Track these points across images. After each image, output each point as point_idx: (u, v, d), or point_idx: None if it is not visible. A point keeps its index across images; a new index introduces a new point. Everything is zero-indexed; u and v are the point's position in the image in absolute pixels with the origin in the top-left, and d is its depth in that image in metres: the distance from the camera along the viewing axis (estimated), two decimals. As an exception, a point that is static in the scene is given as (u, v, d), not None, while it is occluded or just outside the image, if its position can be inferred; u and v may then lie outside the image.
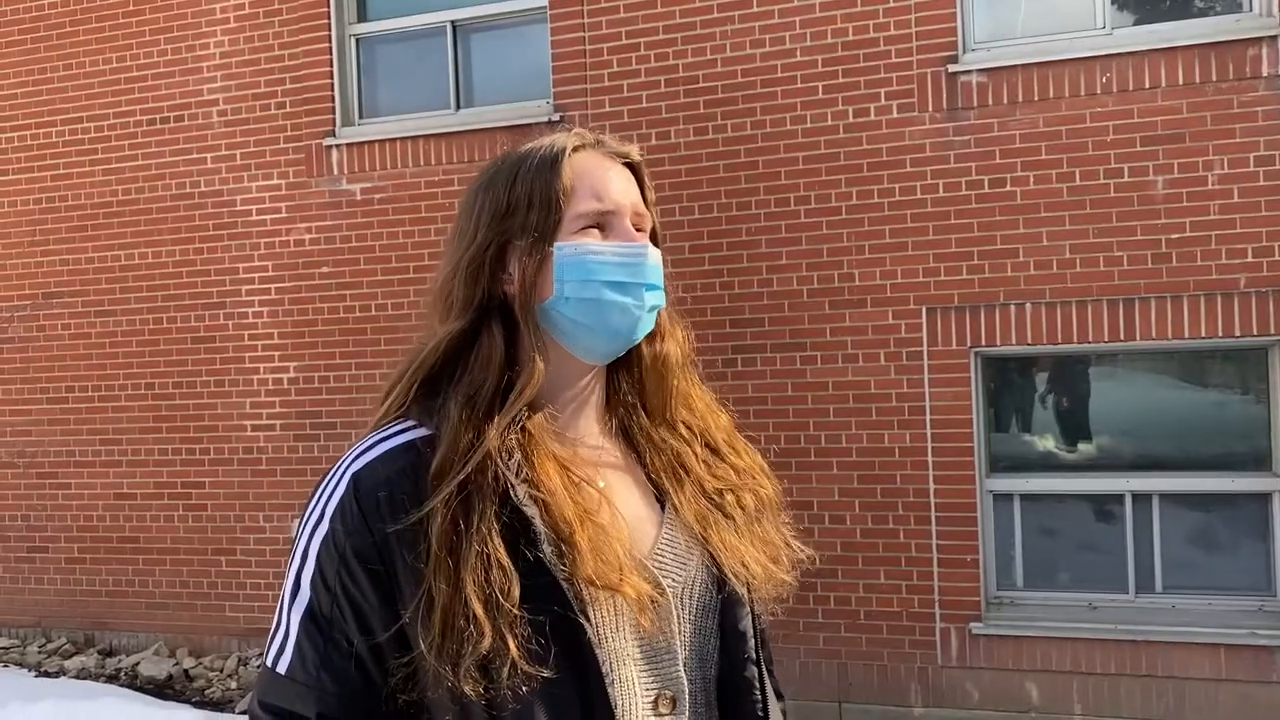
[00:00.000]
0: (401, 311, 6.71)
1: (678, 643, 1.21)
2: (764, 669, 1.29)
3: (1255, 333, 5.30)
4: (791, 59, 5.96)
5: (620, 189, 1.26)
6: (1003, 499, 5.86)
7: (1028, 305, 5.62)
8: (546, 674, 1.09)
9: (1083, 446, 5.95)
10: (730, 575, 1.24)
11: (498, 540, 1.12)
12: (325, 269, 6.89)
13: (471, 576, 1.09)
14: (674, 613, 1.22)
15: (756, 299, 5.93)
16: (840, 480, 5.90)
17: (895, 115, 5.79)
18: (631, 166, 1.30)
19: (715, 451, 1.33)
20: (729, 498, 1.29)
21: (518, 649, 1.08)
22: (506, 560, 1.11)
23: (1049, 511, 5.87)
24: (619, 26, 6.28)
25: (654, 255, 1.26)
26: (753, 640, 1.27)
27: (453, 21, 6.83)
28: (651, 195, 1.31)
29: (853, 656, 5.88)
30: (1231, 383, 5.71)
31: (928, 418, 5.75)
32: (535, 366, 1.20)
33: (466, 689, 1.08)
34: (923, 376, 5.77)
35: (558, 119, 6.34)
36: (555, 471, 1.18)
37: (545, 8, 6.49)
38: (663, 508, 1.28)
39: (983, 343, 5.71)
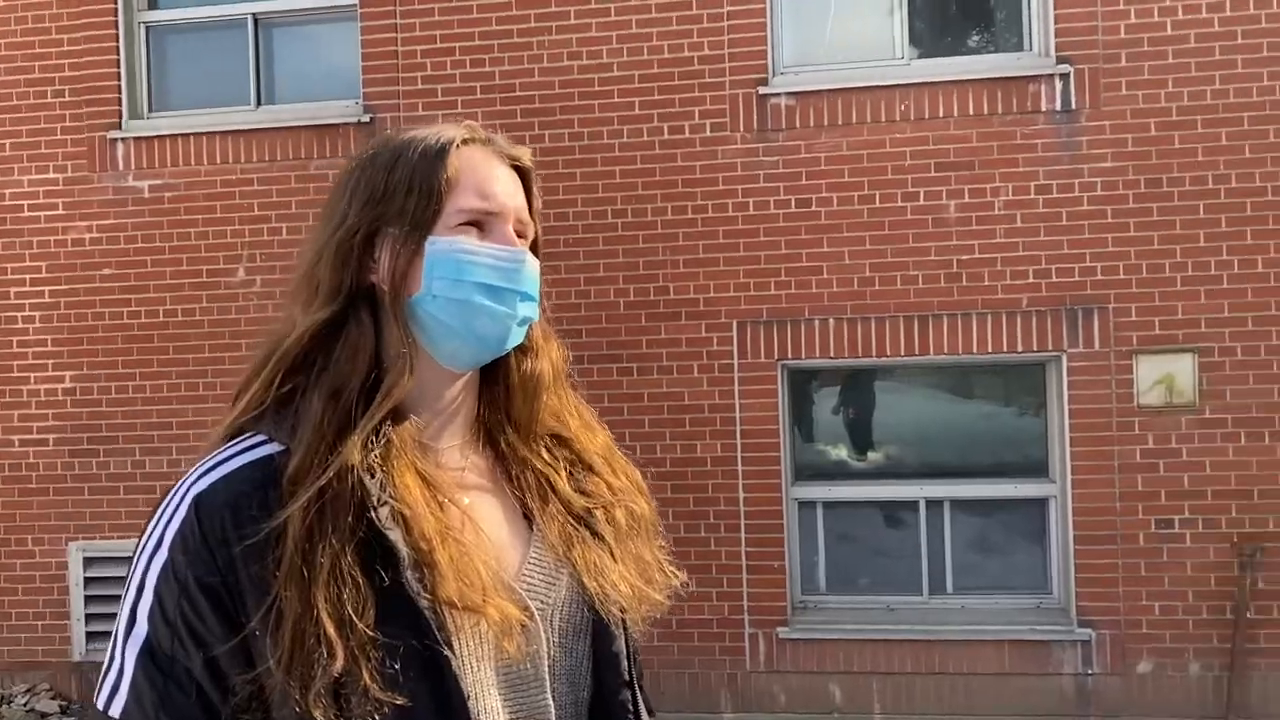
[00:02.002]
0: (194, 319, 6.30)
1: (545, 669, 1.16)
2: (637, 691, 1.25)
3: (1035, 349, 5.72)
4: (609, 73, 5.99)
5: (506, 190, 1.19)
6: (807, 506, 6.07)
7: (831, 320, 5.85)
8: (401, 702, 1.02)
9: (880, 455, 6.25)
10: (597, 596, 1.20)
11: (353, 557, 1.04)
12: (108, 271, 6.39)
13: (324, 593, 1.02)
14: (542, 636, 1.16)
15: (574, 310, 5.92)
16: (655, 490, 5.88)
17: (709, 134, 5.92)
18: (520, 171, 1.24)
19: (590, 470, 1.29)
20: (599, 515, 1.25)
21: (370, 674, 1.01)
22: (361, 580, 1.04)
23: (849, 518, 6.13)
24: (434, 29, 6.14)
25: (532, 264, 1.21)
26: (626, 662, 1.23)
27: (254, 14, 6.49)
28: (538, 204, 1.25)
29: (665, 665, 5.94)
30: (1013, 395, 6.14)
31: (738, 428, 5.89)
32: (404, 365, 1.13)
33: (316, 714, 1.00)
34: (733, 388, 5.90)
35: (368, 120, 6.14)
36: (417, 487, 1.11)
37: (355, 6, 6.28)
38: (531, 527, 1.22)
39: (789, 356, 5.90)
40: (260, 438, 1.12)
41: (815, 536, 6.08)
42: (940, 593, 5.98)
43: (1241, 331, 5.53)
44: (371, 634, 1.02)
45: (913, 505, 6.01)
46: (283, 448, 1.09)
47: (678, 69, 5.94)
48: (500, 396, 1.25)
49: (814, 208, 5.85)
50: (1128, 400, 5.61)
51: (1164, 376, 5.57)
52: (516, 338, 1.20)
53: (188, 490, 1.08)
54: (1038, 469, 5.92)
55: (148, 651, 1.05)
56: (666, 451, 5.94)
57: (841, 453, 6.28)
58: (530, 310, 1.21)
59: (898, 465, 6.17)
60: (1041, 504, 5.88)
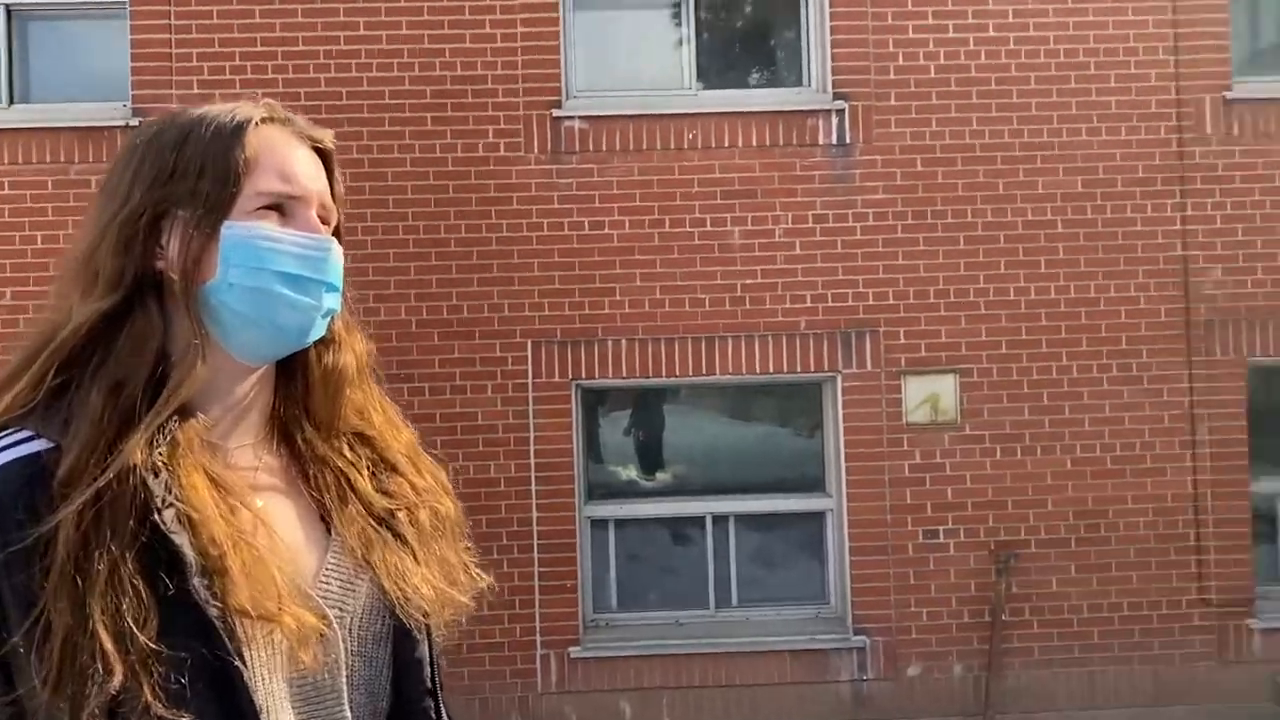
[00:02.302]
0: (-68, 333, 5.71)
1: (343, 679, 1.10)
2: (439, 699, 1.21)
3: (812, 369, 6.00)
4: (400, 86, 5.89)
5: (308, 173, 1.13)
6: (599, 525, 6.12)
7: (623, 341, 5.94)
8: (187, 718, 0.95)
9: (669, 473, 6.38)
10: (398, 600, 1.15)
11: (134, 564, 0.96)
12: None
13: (100, 604, 0.94)
14: (340, 645, 1.11)
15: (363, 328, 5.75)
16: (445, 513, 5.85)
17: (503, 153, 5.91)
18: (322, 154, 1.17)
19: (393, 469, 1.23)
20: (402, 516, 1.20)
21: (152, 690, 0.94)
22: (144, 588, 0.96)
23: (639, 536, 6.22)
24: (211, 32, 5.85)
25: (338, 253, 1.15)
26: (428, 670, 1.19)
27: (7, 5, 6.00)
28: (341, 189, 1.19)
29: (456, 692, 5.82)
30: (793, 414, 6.41)
31: (532, 448, 5.88)
32: (194, 358, 1.05)
33: None
34: (528, 408, 5.89)
35: (136, 124, 5.76)
36: (205, 488, 1.04)
37: (125, 3, 5.90)
38: (329, 531, 1.17)
39: (583, 376, 5.95)
40: (25, 433, 1.01)
41: (607, 555, 6.13)
42: (726, 606, 6.14)
43: (997, 354, 5.99)
44: (154, 647, 0.95)
45: (699, 521, 6.16)
46: (52, 445, 1.00)
47: (471, 86, 5.91)
48: (299, 391, 1.19)
49: (606, 230, 5.93)
50: (897, 418, 5.97)
51: (929, 396, 5.96)
52: (319, 330, 1.15)
53: None
54: (815, 484, 6.20)
55: None
56: (459, 473, 5.82)
57: (632, 471, 6.37)
58: (334, 301, 1.15)
59: (685, 483, 6.32)
60: (819, 518, 6.16)
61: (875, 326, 5.97)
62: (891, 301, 5.98)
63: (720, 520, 6.15)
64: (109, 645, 0.93)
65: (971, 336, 5.99)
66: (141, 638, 0.95)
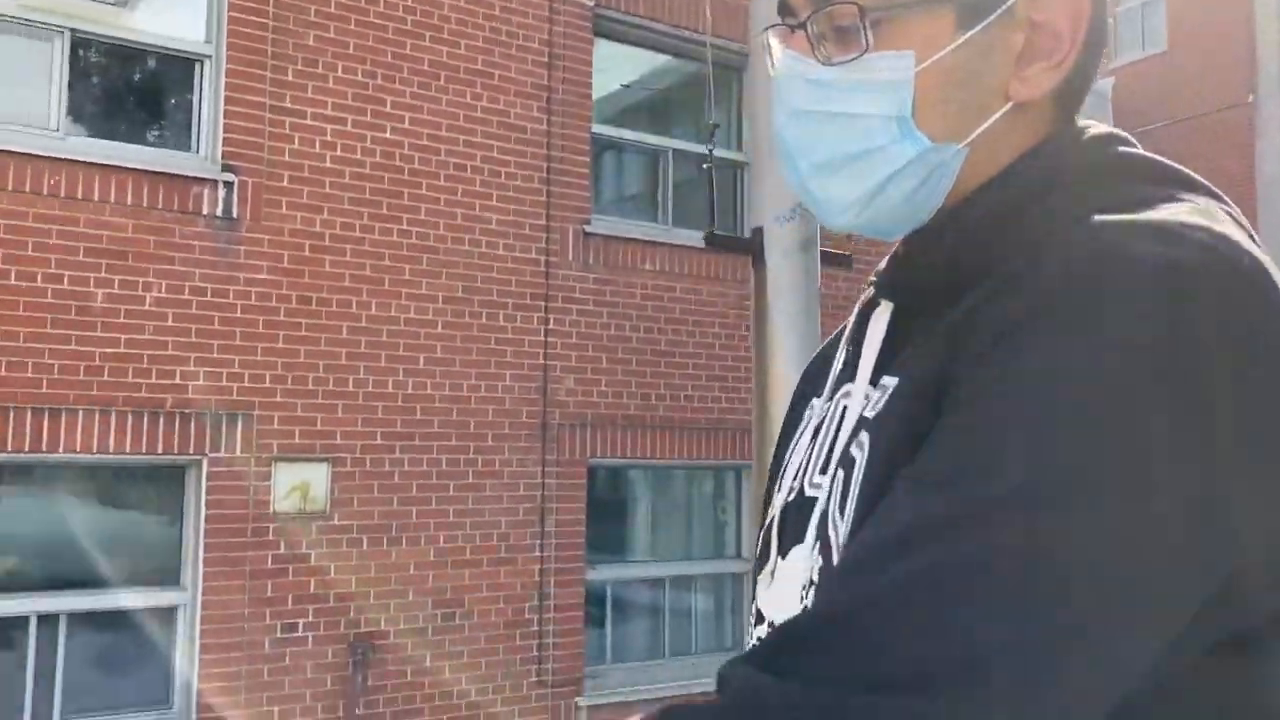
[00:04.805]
0: None
1: None
2: None
3: (176, 451, 5.57)
4: None
5: None
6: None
7: (-61, 407, 5.02)
8: None
9: (-12, 566, 5.45)
10: None
11: None
12: None
13: None
14: None
15: None
16: None
17: None
18: None
19: None
20: None
21: None
22: None
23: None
24: None
25: None
26: None
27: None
28: None
29: None
30: (151, 499, 5.87)
31: None
32: None
33: None
34: None
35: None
36: None
37: None
38: None
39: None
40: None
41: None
42: (46, 720, 5.34)
43: (371, 444, 6.07)
44: None
45: (22, 622, 5.32)
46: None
47: None
48: None
49: (-71, 274, 5.01)
50: (265, 506, 5.74)
51: (300, 484, 5.83)
52: None
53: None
54: (170, 577, 5.69)
55: None
56: None
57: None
58: None
59: (10, 576, 5.43)
60: (171, 613, 5.66)
61: (249, 409, 5.73)
62: (268, 385, 5.79)
63: (48, 620, 5.36)
64: None
65: (348, 425, 6.01)
66: None
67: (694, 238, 7.12)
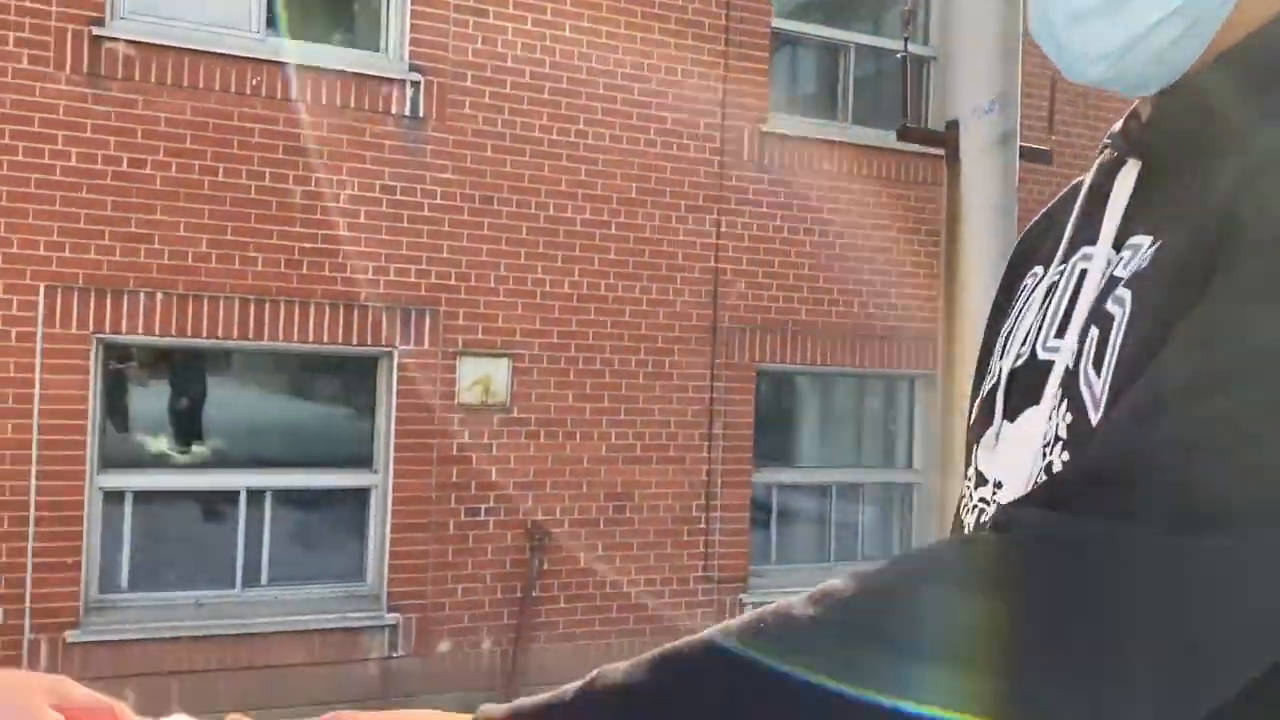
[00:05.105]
0: None
1: None
2: None
3: (369, 343, 5.87)
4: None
5: None
6: (113, 497, 5.53)
7: (159, 295, 5.43)
8: None
9: (204, 442, 5.92)
10: None
11: None
12: None
13: None
14: None
15: None
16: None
17: (25, 65, 5.15)
18: None
19: None
20: None
21: None
22: None
23: (161, 509, 5.71)
24: None
25: None
26: None
27: None
28: None
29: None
30: (344, 388, 6.23)
31: (36, 407, 5.17)
32: None
33: None
34: (35, 361, 5.17)
35: None
36: None
37: None
38: None
39: (107, 330, 5.35)
40: None
41: (120, 530, 5.55)
42: (255, 584, 5.82)
43: (548, 342, 6.24)
44: None
45: (233, 496, 5.78)
46: None
47: (-9, -16, 5.09)
48: None
49: (149, 170, 5.38)
50: (450, 398, 6.00)
51: (482, 377, 6.07)
52: None
53: None
54: (363, 460, 6.06)
55: None
56: (-64, 429, 5.00)
57: (159, 439, 5.84)
58: None
59: (221, 454, 5.90)
60: (364, 494, 6.03)
61: (435, 305, 5.97)
62: (453, 282, 6.00)
63: (256, 495, 5.81)
64: None
65: (526, 323, 6.18)
66: None
67: (874, 137, 6.90)
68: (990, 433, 0.86)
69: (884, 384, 7.63)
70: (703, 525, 6.63)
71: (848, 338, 7.06)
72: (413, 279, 5.92)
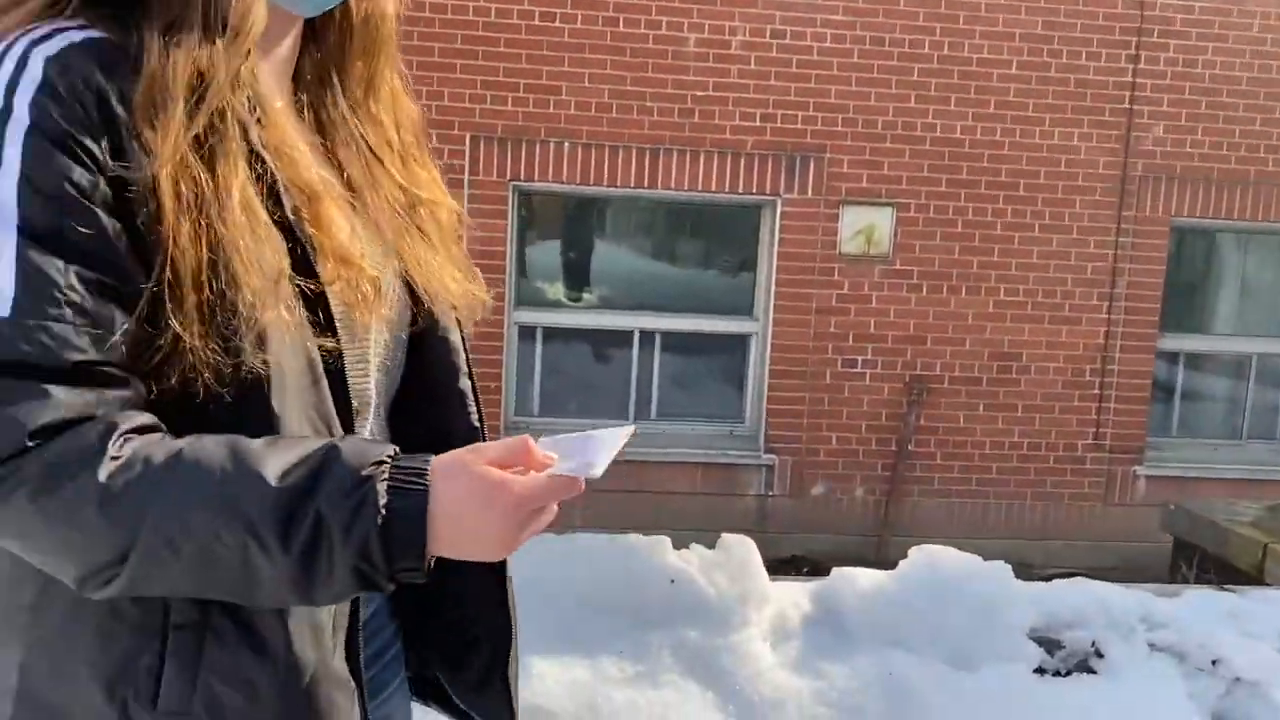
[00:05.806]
0: None
1: (372, 351, 1.05)
2: (474, 381, 1.18)
3: (754, 191, 5.95)
4: None
5: None
6: (526, 332, 6.11)
7: (565, 144, 5.79)
8: (330, 344, 0.94)
9: (601, 285, 6.35)
10: (428, 290, 1.09)
11: (253, 191, 0.89)
12: None
13: (239, 236, 0.87)
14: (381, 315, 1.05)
15: None
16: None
17: (452, -72, 5.56)
18: None
19: (411, 159, 1.12)
20: (422, 212, 1.11)
21: (294, 319, 0.91)
22: (267, 219, 0.90)
23: (564, 346, 6.23)
24: None
25: None
26: (464, 355, 1.17)
27: None
28: None
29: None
30: (728, 236, 6.38)
31: (464, 247, 5.77)
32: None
33: (254, 361, 0.87)
34: (462, 206, 5.74)
35: None
36: (290, 126, 0.98)
37: None
38: (353, 207, 1.07)
39: (521, 177, 5.81)
40: (79, 20, 0.87)
41: (532, 362, 6.15)
42: (645, 418, 6.25)
43: (935, 192, 6.00)
44: (297, 279, 0.92)
45: (626, 336, 6.18)
46: (112, 38, 0.87)
47: None
48: (328, 50, 1.06)
49: (557, 24, 5.69)
50: (831, 247, 5.99)
51: (865, 227, 5.98)
52: None
53: (27, 52, 0.84)
54: (743, 307, 6.23)
55: (28, 232, 0.81)
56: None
57: (562, 280, 6.33)
58: None
59: (614, 296, 6.31)
60: (744, 340, 6.23)
61: (820, 153, 5.91)
62: (839, 128, 5.90)
63: (647, 335, 6.19)
64: (255, 281, 0.87)
65: (913, 171, 5.97)
66: (286, 266, 0.90)
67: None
68: None
69: (1328, 244, 6.65)
70: (1096, 391, 6.22)
71: (1285, 190, 6.19)
72: (799, 124, 5.88)
